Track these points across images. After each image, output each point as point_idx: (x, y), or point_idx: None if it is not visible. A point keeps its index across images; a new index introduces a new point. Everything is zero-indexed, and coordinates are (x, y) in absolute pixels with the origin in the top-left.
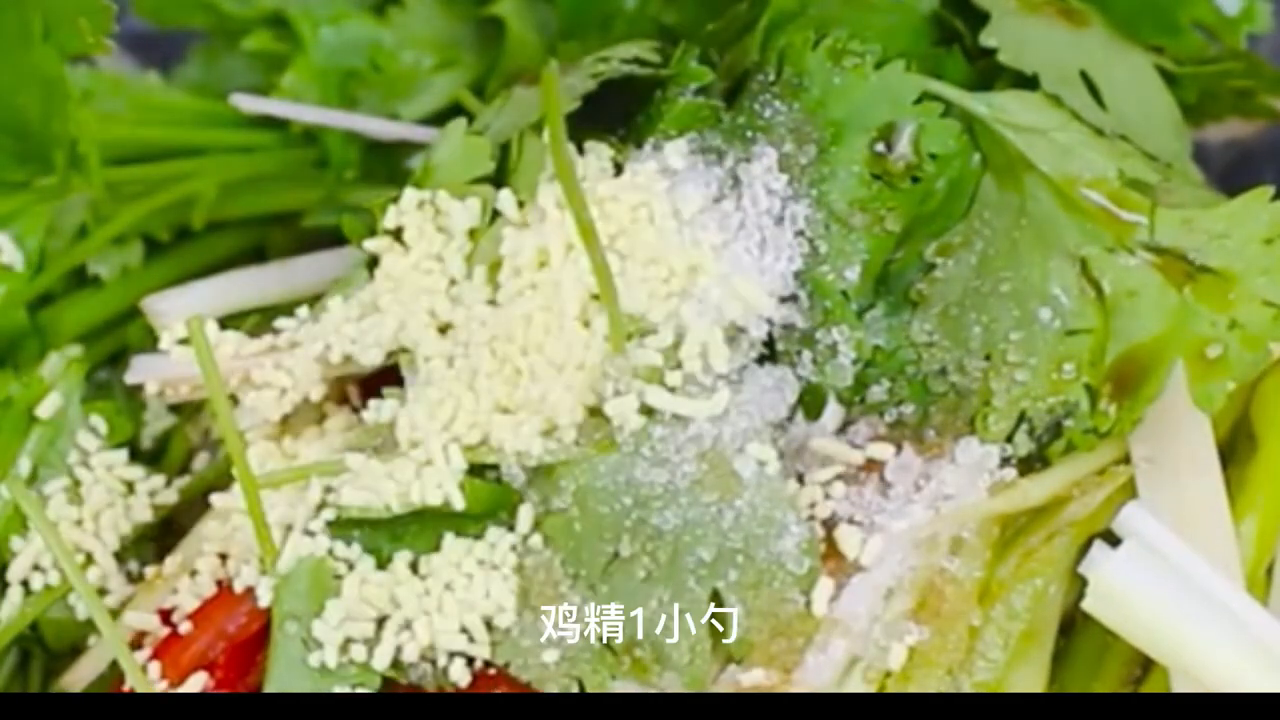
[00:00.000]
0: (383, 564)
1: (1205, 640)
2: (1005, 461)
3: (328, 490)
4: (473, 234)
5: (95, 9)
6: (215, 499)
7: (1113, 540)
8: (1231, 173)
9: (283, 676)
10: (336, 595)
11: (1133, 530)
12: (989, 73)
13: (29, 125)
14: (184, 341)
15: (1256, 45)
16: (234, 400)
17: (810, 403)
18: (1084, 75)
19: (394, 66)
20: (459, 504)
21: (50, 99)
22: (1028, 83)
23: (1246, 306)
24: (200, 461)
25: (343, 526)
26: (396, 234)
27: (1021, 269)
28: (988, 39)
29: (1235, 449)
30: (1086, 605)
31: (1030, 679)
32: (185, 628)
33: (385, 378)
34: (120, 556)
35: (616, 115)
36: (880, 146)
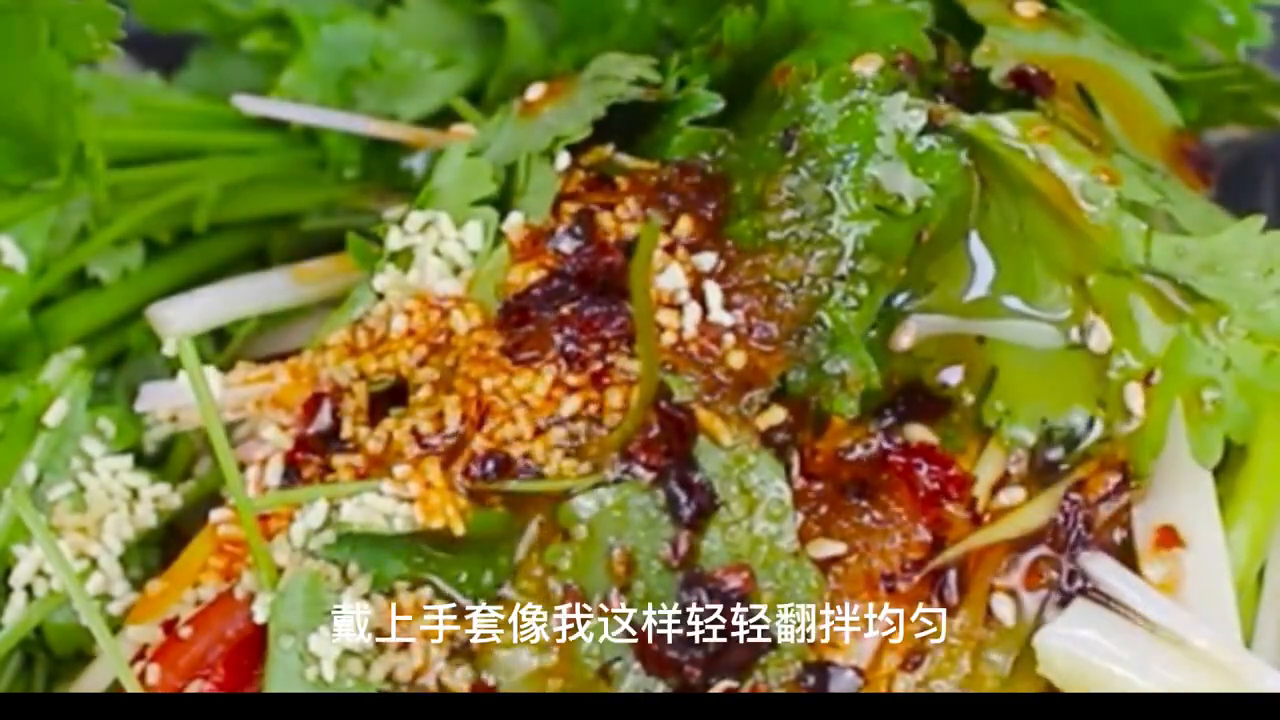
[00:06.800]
0: (381, 582)
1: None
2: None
3: (332, 508)
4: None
5: (102, 15)
6: (214, 514)
7: None
8: (1231, 176)
9: (280, 690)
10: (334, 610)
11: (1093, 574)
12: (987, 84)
13: (33, 129)
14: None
15: (1254, 54)
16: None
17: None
18: (1080, 89)
19: (394, 66)
20: (459, 530)
21: (55, 103)
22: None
23: (1241, 345)
24: (203, 466)
25: (342, 544)
26: (399, 256)
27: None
28: (981, 59)
29: (1226, 458)
30: (1041, 672)
31: (1030, 687)
32: (185, 632)
33: (391, 396)
34: (124, 561)
35: (613, 124)
36: None
